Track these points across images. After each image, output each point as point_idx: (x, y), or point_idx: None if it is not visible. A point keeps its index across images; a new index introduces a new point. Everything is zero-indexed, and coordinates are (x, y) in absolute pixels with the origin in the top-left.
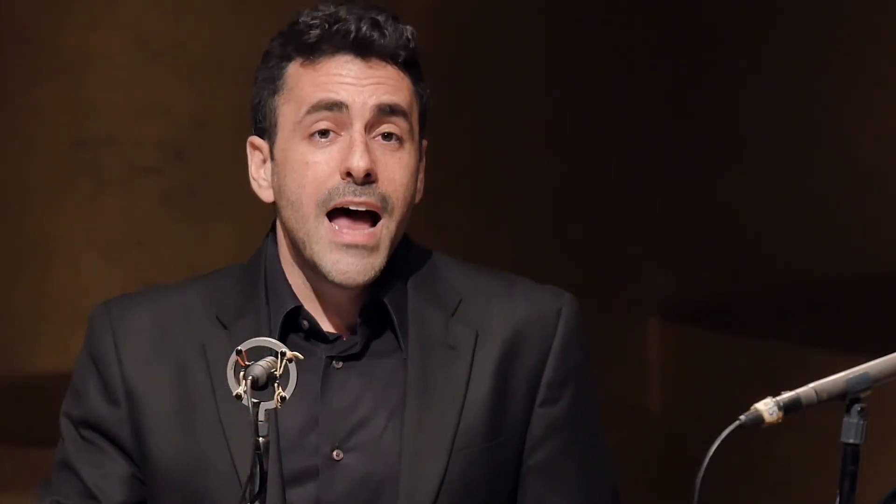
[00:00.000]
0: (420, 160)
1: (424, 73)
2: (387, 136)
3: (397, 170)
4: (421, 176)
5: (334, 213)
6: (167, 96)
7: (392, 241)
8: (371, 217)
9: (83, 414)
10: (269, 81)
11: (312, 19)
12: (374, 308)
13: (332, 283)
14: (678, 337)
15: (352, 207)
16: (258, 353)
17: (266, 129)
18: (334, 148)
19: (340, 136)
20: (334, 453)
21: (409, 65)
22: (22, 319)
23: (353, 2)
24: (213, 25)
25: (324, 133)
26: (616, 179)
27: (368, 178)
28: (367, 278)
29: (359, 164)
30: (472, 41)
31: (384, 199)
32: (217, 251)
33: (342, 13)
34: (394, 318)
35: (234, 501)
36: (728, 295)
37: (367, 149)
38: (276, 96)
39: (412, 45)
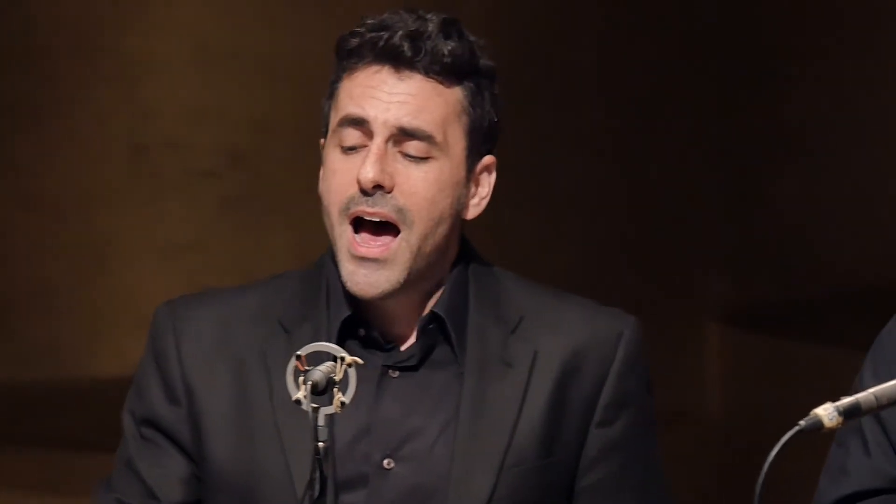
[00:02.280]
0: (473, 175)
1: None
2: (411, 154)
3: (419, 183)
4: (484, 191)
5: (359, 224)
6: (225, 101)
7: (415, 255)
8: (393, 229)
9: (144, 412)
10: (329, 86)
11: (358, 27)
12: (433, 320)
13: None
14: (737, 342)
15: (366, 217)
16: (317, 357)
17: (326, 132)
18: (358, 158)
19: (367, 146)
20: (385, 462)
21: (457, 77)
22: (81, 324)
23: (414, 10)
24: (270, 30)
25: (352, 147)
26: (675, 185)
27: (381, 189)
28: (380, 291)
29: (365, 175)
30: (529, 48)
31: (400, 210)
32: (275, 257)
33: (388, 21)
34: (451, 332)
35: None
36: (787, 300)
37: (381, 160)
38: (329, 101)
39: (448, 60)
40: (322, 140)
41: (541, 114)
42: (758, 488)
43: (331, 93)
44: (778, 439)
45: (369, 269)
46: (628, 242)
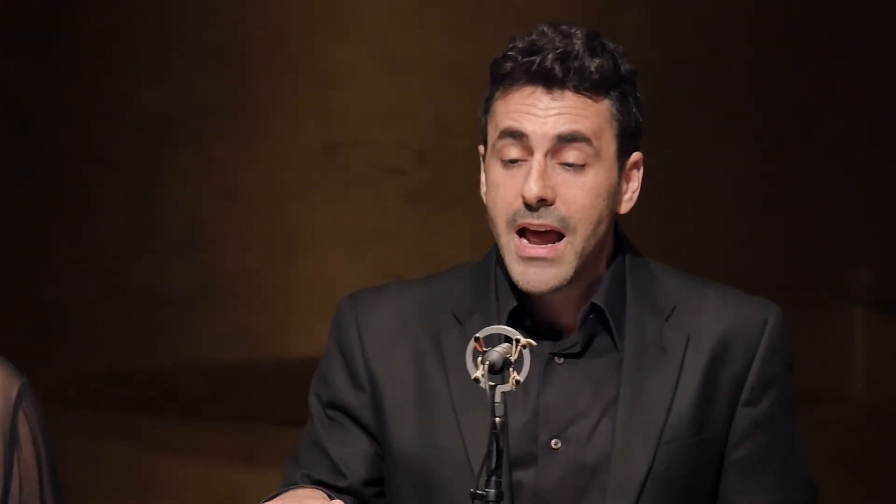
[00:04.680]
0: (624, 174)
1: (640, 84)
2: (570, 164)
3: (579, 193)
4: (634, 185)
5: (523, 231)
6: (410, 103)
7: (580, 255)
8: (556, 235)
9: (330, 396)
10: (485, 101)
11: (510, 51)
12: (594, 311)
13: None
14: (882, 328)
15: (532, 228)
16: (492, 340)
17: (484, 141)
18: (520, 173)
19: (527, 161)
20: (552, 442)
21: (604, 90)
22: (276, 308)
23: (559, 27)
24: (452, 37)
25: (513, 160)
26: (822, 177)
27: (544, 203)
28: (549, 287)
29: (530, 191)
30: (686, 54)
31: (563, 220)
32: (456, 247)
33: (539, 43)
34: (611, 321)
35: (465, 486)
36: None
37: (543, 176)
38: (486, 117)
39: (596, 76)
40: (481, 147)
41: (700, 116)
42: None
43: (486, 108)
44: None
45: (539, 268)
46: (781, 234)
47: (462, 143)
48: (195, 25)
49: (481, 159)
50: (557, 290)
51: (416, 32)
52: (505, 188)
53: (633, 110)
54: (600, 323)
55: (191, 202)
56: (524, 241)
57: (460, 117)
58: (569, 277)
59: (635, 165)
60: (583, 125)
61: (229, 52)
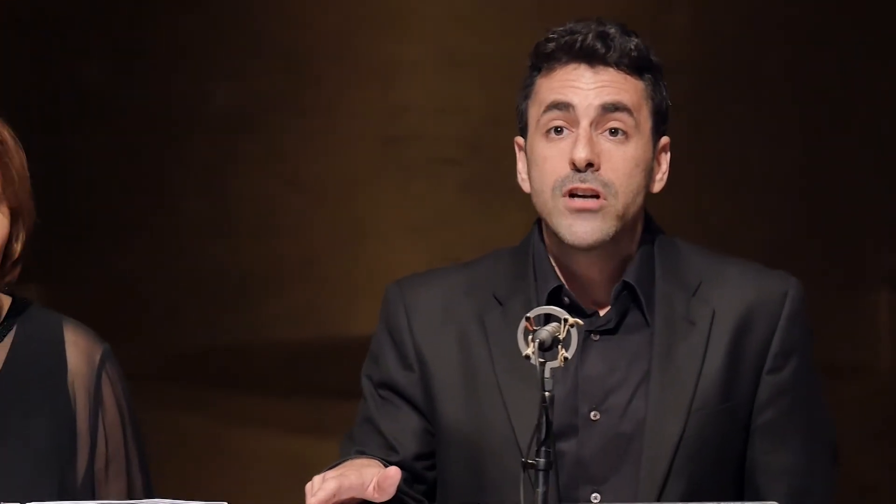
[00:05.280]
0: (656, 154)
1: (686, 79)
2: (613, 132)
3: (620, 161)
4: (664, 167)
5: (569, 195)
6: (466, 98)
7: (619, 217)
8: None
9: (381, 377)
10: (524, 89)
11: (551, 34)
12: (626, 289)
13: (570, 245)
14: None
15: (578, 193)
16: (539, 319)
17: (523, 130)
18: (565, 143)
19: (571, 132)
20: (591, 414)
21: (638, 70)
22: (341, 290)
23: (591, 19)
24: (504, 37)
25: (558, 130)
26: (850, 168)
27: (591, 167)
28: (595, 239)
29: (580, 155)
30: (728, 50)
31: (606, 185)
32: (508, 233)
33: (577, 28)
34: (642, 299)
35: (511, 457)
36: None
37: (590, 142)
38: (527, 101)
39: (634, 54)
40: (518, 139)
41: (738, 110)
42: None
43: (526, 93)
44: None
45: (586, 220)
46: (811, 219)
47: (514, 134)
48: (266, 27)
49: (517, 150)
50: (601, 244)
51: (472, 32)
52: (552, 159)
53: (664, 95)
54: (632, 300)
55: (262, 191)
56: (570, 199)
57: (513, 112)
58: (611, 233)
59: (664, 149)
60: (624, 97)
61: (298, 51)
